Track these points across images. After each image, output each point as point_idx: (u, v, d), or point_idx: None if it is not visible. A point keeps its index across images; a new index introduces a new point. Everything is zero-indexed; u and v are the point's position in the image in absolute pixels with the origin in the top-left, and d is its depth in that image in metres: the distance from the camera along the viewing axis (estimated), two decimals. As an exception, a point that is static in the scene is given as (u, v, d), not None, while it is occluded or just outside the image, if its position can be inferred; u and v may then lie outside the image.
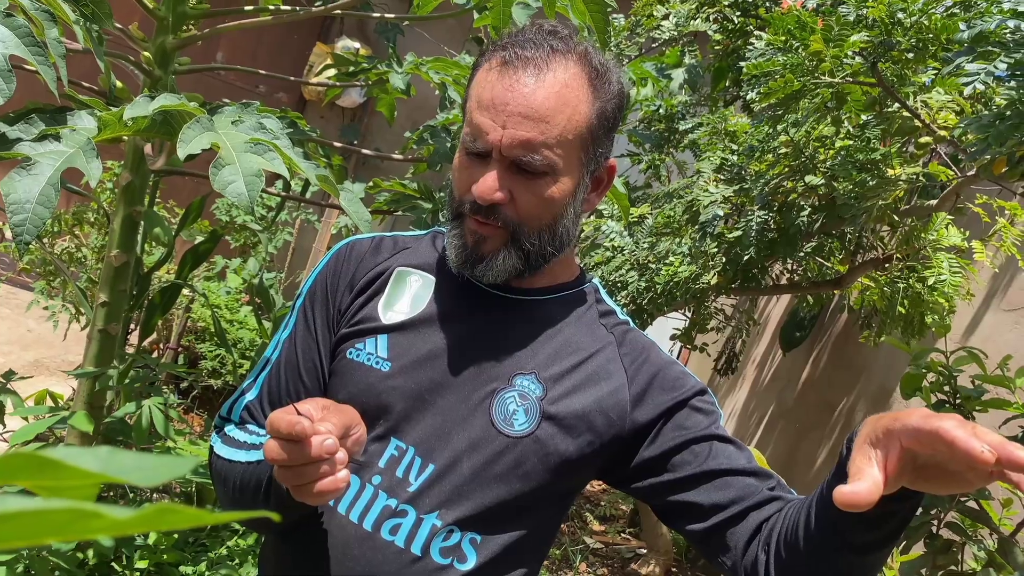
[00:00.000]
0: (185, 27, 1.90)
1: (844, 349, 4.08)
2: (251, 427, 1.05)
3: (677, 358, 5.57)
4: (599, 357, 1.03)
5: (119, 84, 1.84)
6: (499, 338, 1.02)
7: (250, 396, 1.07)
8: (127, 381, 1.98)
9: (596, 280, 1.15)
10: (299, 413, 0.79)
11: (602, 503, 4.66)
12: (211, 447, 1.05)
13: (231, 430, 1.04)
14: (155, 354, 3.72)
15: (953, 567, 1.78)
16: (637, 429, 1.01)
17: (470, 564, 0.95)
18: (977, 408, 1.77)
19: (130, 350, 2.31)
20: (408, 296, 1.04)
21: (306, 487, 0.80)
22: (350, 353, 1.01)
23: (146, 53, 1.78)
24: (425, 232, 1.14)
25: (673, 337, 3.60)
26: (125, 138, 1.80)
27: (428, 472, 0.95)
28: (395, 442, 0.97)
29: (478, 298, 1.03)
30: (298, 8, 1.91)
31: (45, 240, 2.99)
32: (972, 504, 1.70)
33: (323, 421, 0.81)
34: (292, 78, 2.19)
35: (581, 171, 0.98)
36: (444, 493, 0.95)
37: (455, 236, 1.00)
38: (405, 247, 1.10)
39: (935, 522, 1.72)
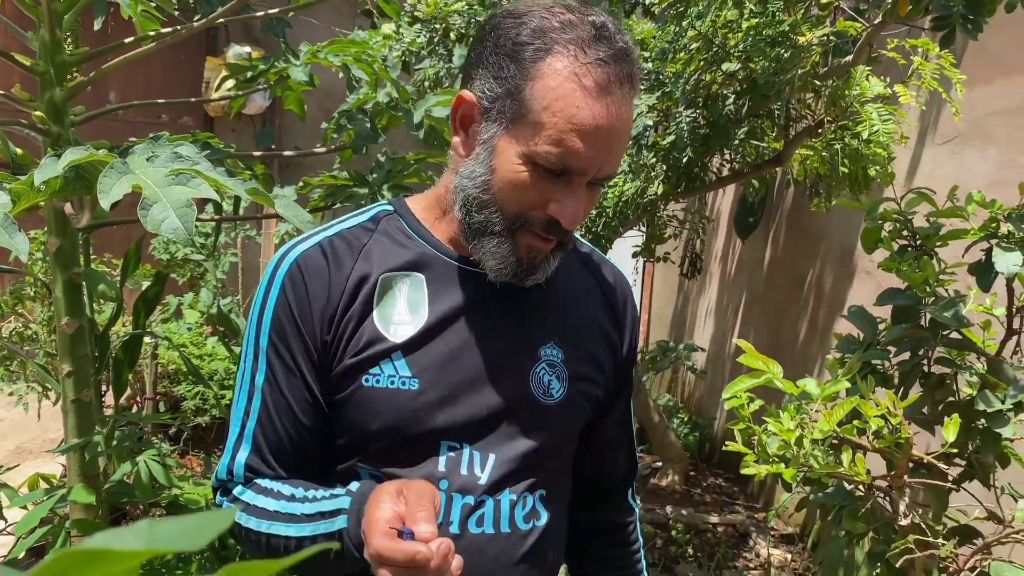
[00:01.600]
0: (70, 75, 1.83)
1: (798, 222, 4.15)
2: (266, 484, 0.97)
3: (643, 273, 5.62)
4: (591, 300, 1.09)
5: (19, 151, 1.77)
6: (511, 315, 1.01)
7: (244, 454, 0.99)
8: (115, 443, 1.94)
9: None
10: (399, 532, 0.75)
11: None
12: (234, 519, 0.99)
13: (247, 495, 0.97)
14: (134, 409, 3.66)
15: (951, 399, 1.84)
16: (618, 369, 1.13)
17: (544, 518, 1.02)
18: (938, 244, 1.82)
19: (109, 411, 2.27)
20: (403, 304, 0.97)
21: None
22: (367, 381, 0.94)
23: (37, 112, 1.72)
24: (366, 215, 1.04)
25: (635, 254, 3.62)
26: (42, 204, 1.74)
27: (491, 463, 0.97)
28: (446, 444, 0.96)
29: (477, 282, 0.99)
30: (179, 28, 1.84)
31: (-10, 327, 2.90)
32: (955, 335, 1.75)
33: (415, 519, 0.77)
34: (192, 99, 2.12)
35: None
36: (512, 474, 0.98)
37: (506, 251, 0.93)
38: (362, 244, 1.00)
39: (924, 361, 1.77)
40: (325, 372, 0.97)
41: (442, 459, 0.96)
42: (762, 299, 4.46)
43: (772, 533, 3.88)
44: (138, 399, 3.74)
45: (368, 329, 0.95)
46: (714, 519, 3.89)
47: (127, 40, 1.86)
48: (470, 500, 0.95)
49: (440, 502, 0.83)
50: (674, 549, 3.60)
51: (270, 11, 2.18)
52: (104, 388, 2.70)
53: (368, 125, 1.76)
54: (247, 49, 4.97)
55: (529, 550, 0.99)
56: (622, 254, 4.03)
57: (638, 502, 1.26)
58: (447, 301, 0.98)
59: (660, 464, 4.37)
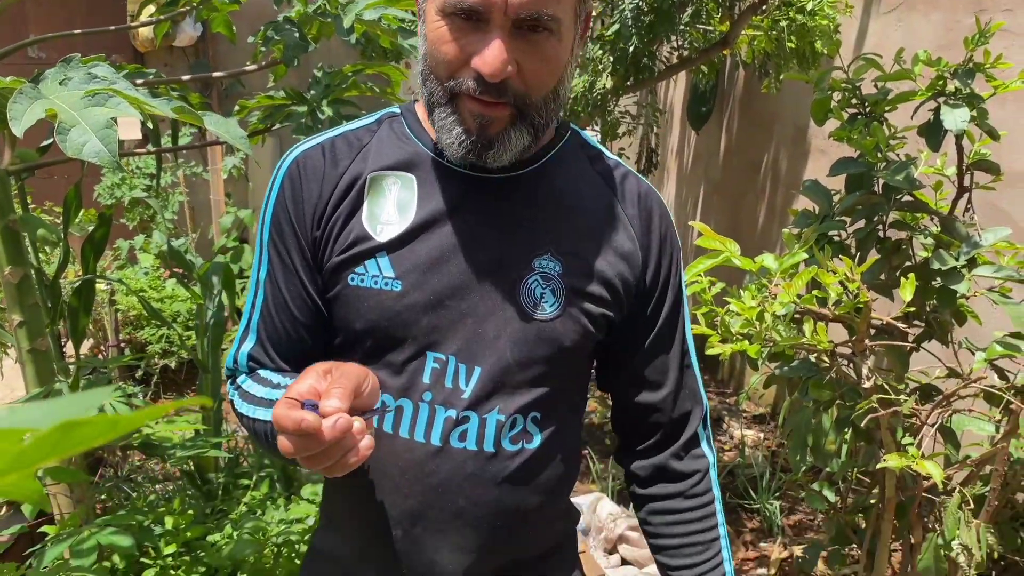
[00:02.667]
0: (-27, 12, 1.72)
1: (751, 106, 4.12)
2: (263, 374, 0.99)
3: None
4: (603, 214, 0.99)
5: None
6: (504, 222, 0.95)
7: (248, 344, 1.01)
8: (81, 389, 1.91)
9: (572, 125, 1.07)
10: (301, 403, 0.75)
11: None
12: (232, 402, 1.01)
13: (246, 383, 0.99)
14: (99, 356, 3.61)
15: (908, 263, 1.87)
16: (643, 292, 1.02)
17: (537, 441, 0.97)
18: (887, 108, 1.81)
19: (72, 361, 2.23)
20: (392, 203, 0.95)
21: (333, 466, 0.77)
22: (352, 280, 0.94)
23: (-57, 52, 1.62)
24: (372, 118, 1.02)
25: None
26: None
27: (476, 375, 0.93)
28: (432, 355, 0.94)
29: (468, 184, 0.95)
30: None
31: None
32: (908, 199, 1.76)
33: (328, 395, 0.76)
34: (113, 27, 2.01)
35: (576, 21, 0.89)
36: (499, 390, 0.94)
37: (451, 122, 0.88)
38: (363, 145, 0.98)
39: (880, 226, 1.79)
40: (317, 270, 0.97)
41: (427, 370, 0.94)
42: (720, 188, 4.47)
43: (744, 415, 3.99)
44: (102, 347, 3.69)
45: (356, 227, 0.94)
46: (688, 408, 3.98)
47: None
48: (452, 414, 0.94)
49: (371, 386, 0.81)
50: (651, 440, 3.69)
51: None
52: (64, 339, 2.65)
53: (296, 35, 1.68)
54: (168, -24, 4.72)
55: (515, 471, 0.96)
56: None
57: (713, 450, 1.11)
58: (436, 202, 0.94)
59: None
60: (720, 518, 1.09)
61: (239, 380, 1.02)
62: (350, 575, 1.04)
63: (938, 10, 2.83)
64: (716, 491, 1.10)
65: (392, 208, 0.94)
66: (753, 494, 3.13)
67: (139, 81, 1.92)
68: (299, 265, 0.96)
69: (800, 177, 3.60)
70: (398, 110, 1.02)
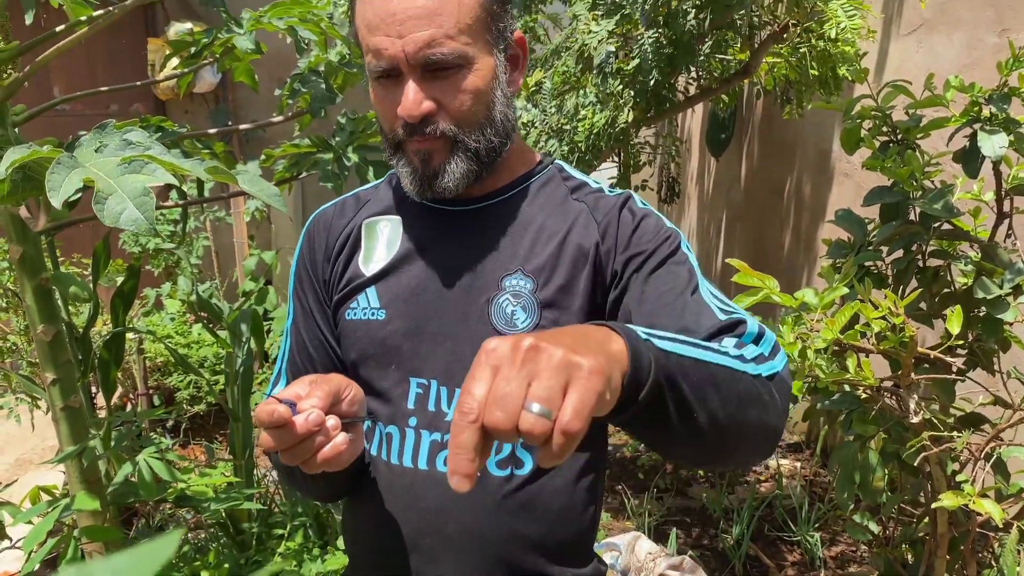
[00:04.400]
0: (5, 73, 1.74)
1: (771, 132, 4.10)
2: None
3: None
4: (576, 230, 1.01)
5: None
6: (476, 249, 1.02)
7: (280, 386, 1.10)
8: (113, 445, 1.91)
9: (558, 160, 1.12)
10: (280, 400, 0.82)
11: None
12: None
13: None
14: (128, 407, 3.62)
15: (947, 290, 1.83)
16: (613, 276, 1.00)
17: (528, 467, 0.98)
18: (919, 136, 1.78)
19: (103, 413, 2.23)
20: (383, 243, 1.05)
21: (309, 461, 0.83)
22: (348, 315, 1.04)
23: (-25, 117, 1.63)
24: (382, 180, 1.15)
25: (612, 186, 3.58)
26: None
27: (457, 398, 0.95)
28: (415, 380, 1.00)
29: (446, 219, 1.04)
30: (111, 8, 1.75)
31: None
32: (947, 226, 1.73)
33: (309, 397, 0.83)
34: (138, 83, 2.03)
35: (493, 52, 0.96)
36: None
37: (403, 166, 0.99)
38: (367, 200, 1.11)
39: (919, 256, 1.75)
40: (330, 312, 1.09)
41: (412, 395, 1.00)
42: (743, 214, 4.44)
43: (779, 444, 3.92)
44: (131, 396, 3.70)
45: (352, 268, 1.06)
46: (721, 438, 3.92)
47: (59, 28, 1.76)
48: (437, 437, 0.98)
49: (353, 395, 0.87)
50: (685, 472, 3.63)
51: (204, -20, 2.07)
52: (94, 390, 2.66)
53: (323, 86, 1.69)
54: (188, 25, 4.80)
55: (504, 498, 0.97)
56: (598, 187, 3.98)
57: (749, 349, 0.82)
58: (416, 237, 1.04)
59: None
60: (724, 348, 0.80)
61: None
62: None
63: (959, 30, 2.80)
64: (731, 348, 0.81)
65: (383, 247, 1.05)
66: (792, 526, 3.06)
67: (158, 136, 1.94)
68: (315, 310, 1.09)
69: (825, 202, 3.56)
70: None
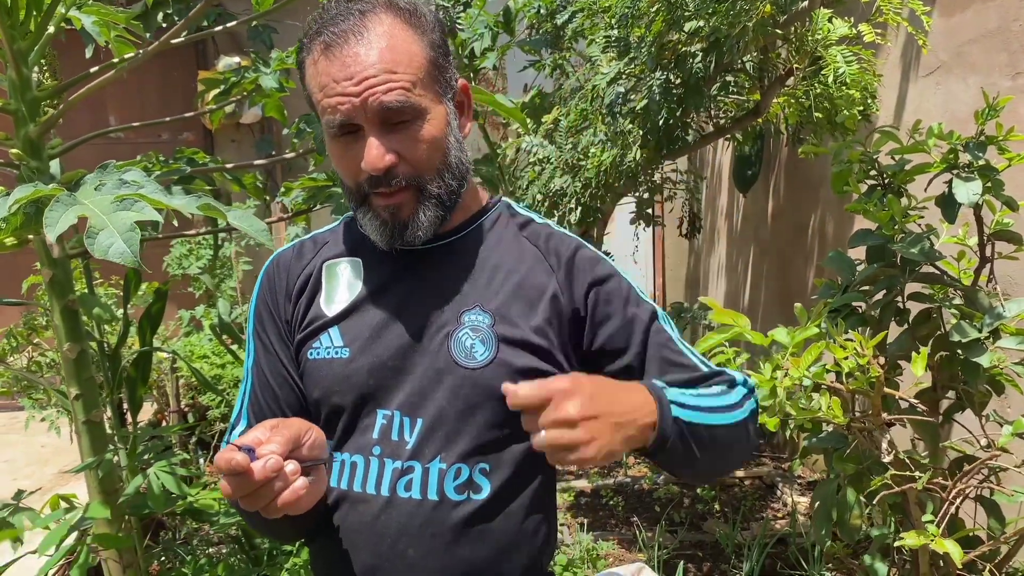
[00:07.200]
0: (44, 109, 1.89)
1: (797, 169, 4.12)
2: None
3: (652, 237, 5.54)
4: (530, 271, 1.08)
5: (1, 188, 1.84)
6: (436, 286, 1.07)
7: (241, 427, 1.12)
8: (140, 458, 2.03)
9: (505, 199, 1.19)
10: (239, 448, 0.83)
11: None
12: None
13: None
14: (163, 423, 3.77)
15: (939, 332, 1.85)
16: (574, 316, 1.07)
17: (486, 492, 1.02)
18: (905, 180, 1.82)
19: (141, 427, 2.36)
20: (343, 284, 1.09)
21: (269, 507, 0.86)
22: (311, 354, 1.07)
23: (14, 150, 1.78)
24: (337, 223, 1.19)
25: (632, 221, 3.63)
26: (31, 236, 1.81)
27: (419, 426, 1.01)
28: (380, 412, 1.03)
29: (405, 259, 1.08)
30: (137, 52, 1.90)
31: (9, 359, 3.01)
32: (929, 269, 1.76)
33: (269, 442, 0.86)
34: (167, 119, 2.18)
35: (443, 102, 1.02)
36: (439, 439, 1.01)
37: (370, 220, 1.03)
38: (324, 243, 1.15)
39: (898, 299, 1.78)
40: (293, 351, 1.11)
41: (376, 425, 1.03)
42: (769, 251, 4.45)
43: (799, 481, 3.90)
44: (165, 413, 3.85)
45: (314, 309, 1.09)
46: (740, 473, 3.91)
47: (92, 69, 1.91)
48: (398, 465, 1.01)
49: (314, 440, 0.92)
50: (701, 507, 3.63)
51: (241, 19, 2.21)
52: (125, 408, 2.80)
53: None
54: (236, 59, 5.02)
55: (461, 522, 1.01)
56: (623, 221, 4.04)
57: (737, 384, 1.07)
58: (377, 278, 1.08)
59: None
60: (719, 391, 1.04)
61: None
62: None
63: (975, 73, 2.82)
64: (724, 390, 1.04)
65: (344, 288, 1.09)
66: (805, 564, 3.05)
67: (184, 169, 2.07)
68: (278, 348, 1.11)
69: (846, 241, 3.57)
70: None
